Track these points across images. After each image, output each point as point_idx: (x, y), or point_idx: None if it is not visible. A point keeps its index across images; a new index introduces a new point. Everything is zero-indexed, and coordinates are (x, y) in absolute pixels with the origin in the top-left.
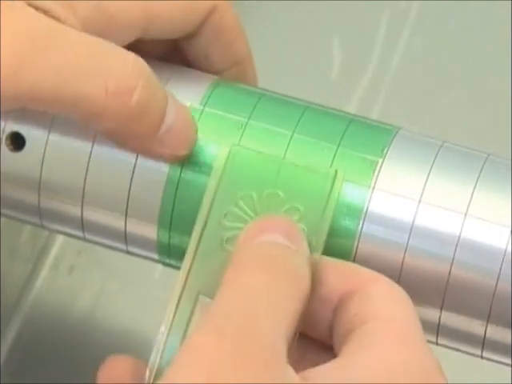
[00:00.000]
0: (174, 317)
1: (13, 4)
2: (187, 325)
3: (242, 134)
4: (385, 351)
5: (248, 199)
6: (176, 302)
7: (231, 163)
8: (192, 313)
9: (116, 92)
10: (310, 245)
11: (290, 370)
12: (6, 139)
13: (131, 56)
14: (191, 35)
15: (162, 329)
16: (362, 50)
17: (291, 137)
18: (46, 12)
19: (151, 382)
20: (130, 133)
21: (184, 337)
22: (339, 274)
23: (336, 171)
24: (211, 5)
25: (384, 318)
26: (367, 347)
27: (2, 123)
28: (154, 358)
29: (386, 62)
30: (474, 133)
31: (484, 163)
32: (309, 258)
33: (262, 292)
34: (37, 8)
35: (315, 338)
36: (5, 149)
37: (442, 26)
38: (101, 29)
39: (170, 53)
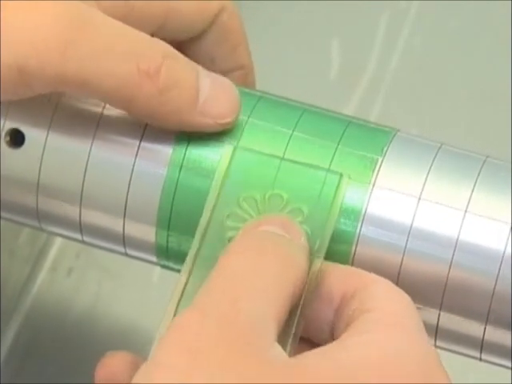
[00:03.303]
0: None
1: None
2: None
3: (241, 134)
4: (381, 338)
5: (251, 200)
6: (177, 298)
7: (234, 164)
8: None
9: (147, 71)
10: (312, 248)
11: (277, 348)
12: (6, 136)
13: (154, 38)
14: (198, 36)
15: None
16: (362, 50)
17: (290, 136)
18: None
19: None
20: (167, 110)
21: None
22: (341, 274)
23: (341, 175)
24: (220, 4)
25: (384, 309)
26: (364, 333)
27: (2, 120)
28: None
29: (385, 62)
30: (473, 133)
31: (482, 165)
32: (306, 248)
33: (248, 273)
34: None
35: (318, 343)
36: (4, 147)
37: (441, 25)
38: (120, 20)
39: None
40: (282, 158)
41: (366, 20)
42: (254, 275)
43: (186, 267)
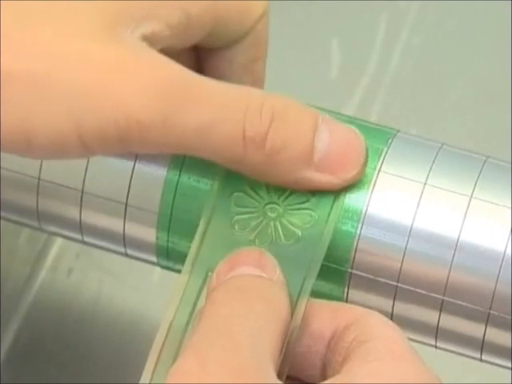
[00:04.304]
0: (183, 292)
1: (139, 49)
2: (196, 300)
3: None
4: (384, 366)
5: (257, 186)
6: (186, 277)
7: None
8: (201, 289)
9: (253, 138)
10: (319, 234)
11: None
12: None
13: (265, 100)
14: (231, 45)
15: (170, 305)
16: (362, 50)
17: None
18: (150, 38)
19: (156, 358)
20: (276, 171)
21: (192, 311)
22: (331, 309)
23: None
24: (261, 11)
25: (382, 339)
26: (369, 363)
27: None
28: (161, 335)
29: (385, 62)
30: (473, 133)
31: (483, 166)
32: (283, 283)
33: (239, 317)
34: (144, 37)
35: (306, 380)
36: None
37: (441, 26)
38: (180, 29)
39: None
40: None
41: (366, 20)
42: (245, 319)
43: (193, 248)
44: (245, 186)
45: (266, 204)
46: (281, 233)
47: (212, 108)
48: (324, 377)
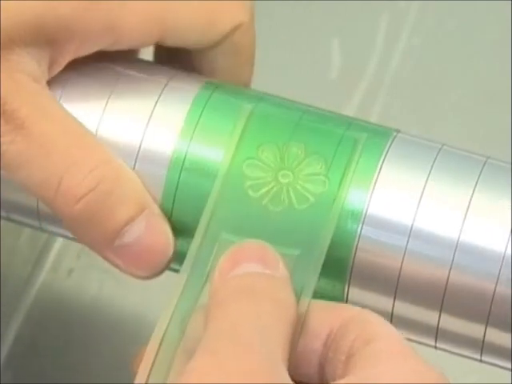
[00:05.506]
0: (196, 253)
1: None
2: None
3: (243, 133)
4: (400, 367)
5: (269, 151)
6: (199, 239)
7: (254, 116)
8: (215, 250)
9: (64, 192)
10: (331, 201)
11: None
12: None
13: (100, 161)
14: (206, 48)
15: (184, 269)
16: (362, 50)
17: (292, 132)
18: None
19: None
20: (78, 232)
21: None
22: (326, 308)
23: (355, 139)
24: (235, 22)
25: (387, 338)
26: (380, 364)
27: None
28: (176, 300)
29: (385, 62)
30: (473, 133)
31: (483, 166)
32: (287, 277)
33: (248, 318)
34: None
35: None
36: None
37: (441, 26)
38: (108, 47)
39: (172, 55)
40: (298, 123)
41: (366, 20)
42: (253, 320)
43: (206, 210)
44: (257, 154)
45: (279, 170)
46: (293, 198)
47: (36, 145)
48: (322, 376)
